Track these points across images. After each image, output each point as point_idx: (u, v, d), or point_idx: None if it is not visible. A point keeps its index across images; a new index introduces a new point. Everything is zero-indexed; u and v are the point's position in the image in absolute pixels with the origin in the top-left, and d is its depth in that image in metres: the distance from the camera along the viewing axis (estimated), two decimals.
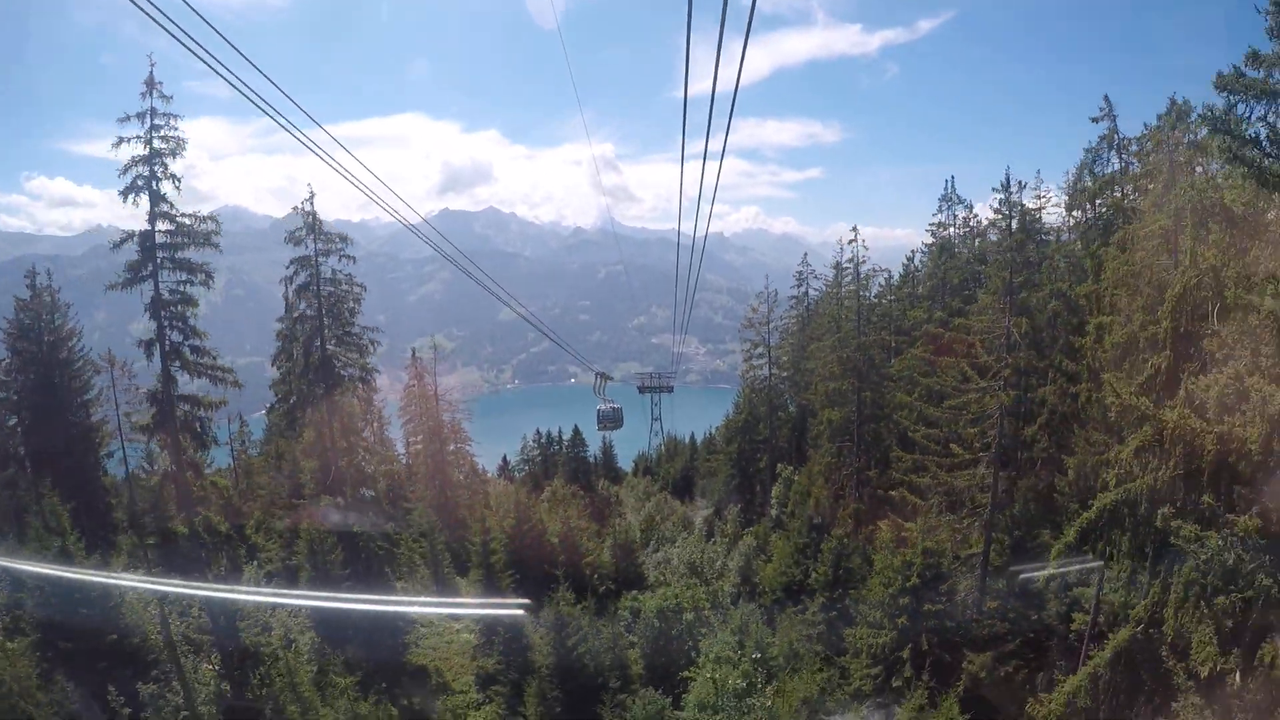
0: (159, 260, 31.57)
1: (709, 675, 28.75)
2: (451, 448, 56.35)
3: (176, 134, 30.30)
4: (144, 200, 30.65)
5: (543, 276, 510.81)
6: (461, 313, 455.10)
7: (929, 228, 59.62)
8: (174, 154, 30.40)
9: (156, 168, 30.42)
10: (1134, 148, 37.65)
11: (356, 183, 13.03)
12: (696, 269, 21.42)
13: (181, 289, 32.43)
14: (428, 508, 46.18)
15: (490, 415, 58.92)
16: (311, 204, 36.55)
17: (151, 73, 29.81)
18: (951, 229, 59.25)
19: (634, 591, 42.13)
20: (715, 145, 10.38)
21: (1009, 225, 40.62)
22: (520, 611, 28.23)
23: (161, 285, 32.24)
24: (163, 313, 31.90)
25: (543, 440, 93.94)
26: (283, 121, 10.96)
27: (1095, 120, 39.40)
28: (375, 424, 46.86)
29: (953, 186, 59.73)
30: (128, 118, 29.96)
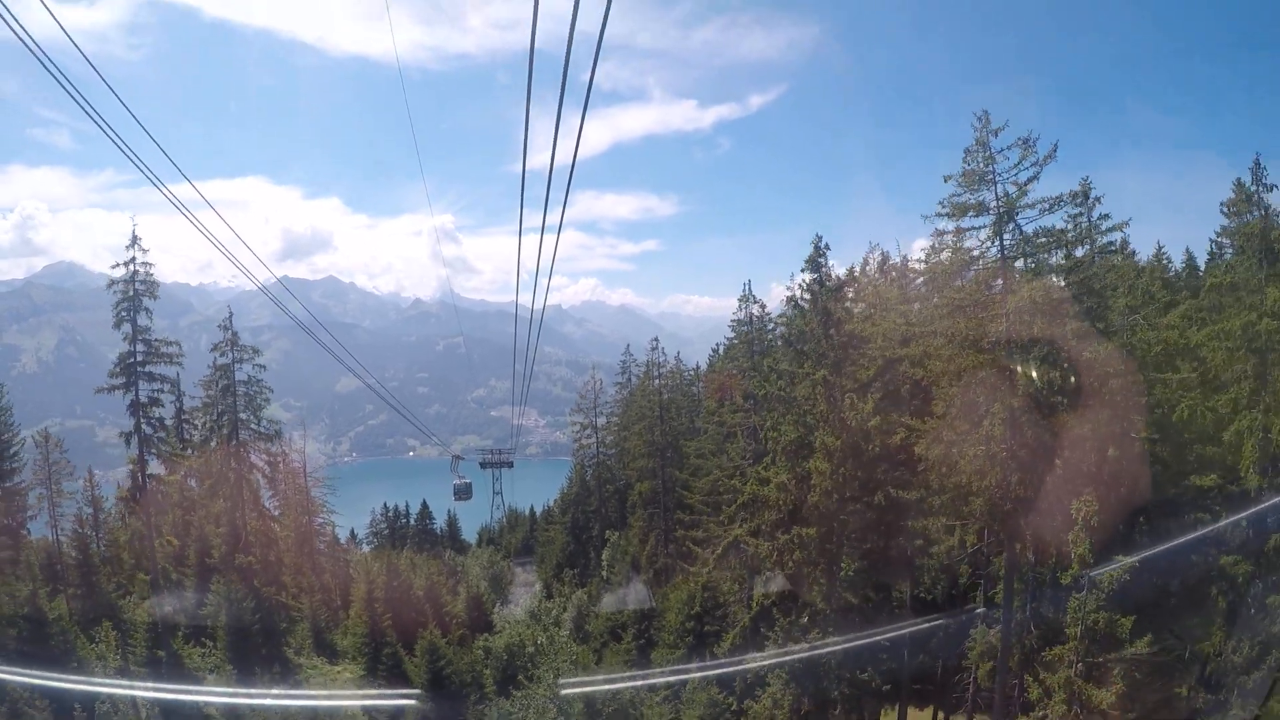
0: (136, 370, 40.39)
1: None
2: (319, 519, 64.28)
3: (151, 279, 39.67)
4: (126, 323, 39.65)
5: (381, 348, 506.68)
6: (299, 383, 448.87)
7: (730, 323, 70.76)
8: (149, 294, 39.72)
9: (136, 305, 39.63)
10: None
11: (214, 240, 14.04)
12: (534, 342, 21.54)
13: (155, 395, 41.35)
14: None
15: (331, 487, 66.40)
16: (230, 323, 45.51)
17: (134, 231, 39.32)
18: (748, 327, 71.29)
19: (485, 634, 51.88)
20: (554, 218, 10.83)
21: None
22: (413, 702, 35.42)
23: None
24: (140, 413, 40.65)
25: (390, 514, 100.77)
26: (149, 176, 11.53)
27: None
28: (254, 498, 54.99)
29: (750, 288, 71.25)
30: (117, 265, 39.27)
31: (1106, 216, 38.55)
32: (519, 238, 13.62)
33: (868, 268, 44.10)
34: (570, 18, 6.95)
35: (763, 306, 62.03)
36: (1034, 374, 21.46)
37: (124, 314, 40.03)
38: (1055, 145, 22.97)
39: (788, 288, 53.39)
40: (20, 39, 9.17)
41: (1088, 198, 39.12)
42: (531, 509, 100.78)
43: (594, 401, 73.59)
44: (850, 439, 24.80)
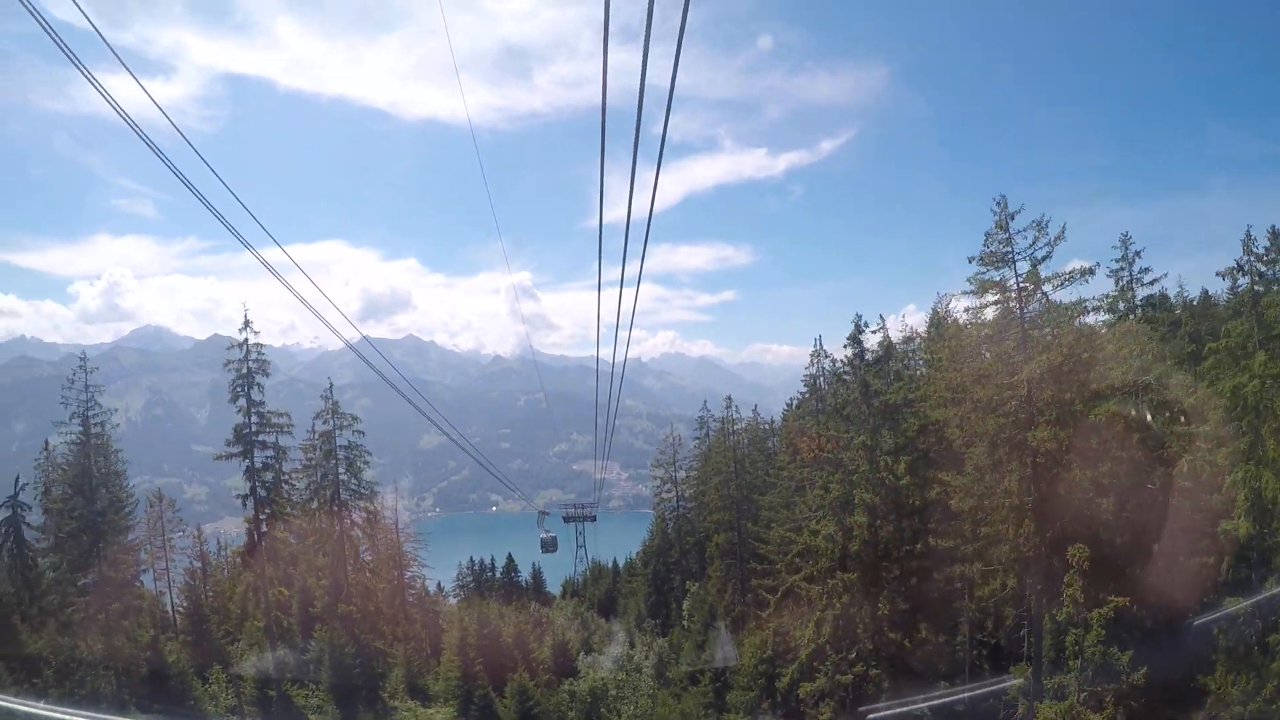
0: (251, 439, 45.42)
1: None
2: (410, 573, 68.68)
3: (263, 358, 44.73)
4: (241, 398, 44.74)
5: (463, 405, 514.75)
6: (382, 441, 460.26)
7: (803, 377, 72.63)
8: (261, 372, 44.76)
9: (250, 381, 44.71)
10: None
11: (304, 301, 14.38)
12: (616, 396, 21.60)
13: (267, 461, 46.31)
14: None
15: (421, 542, 71.28)
16: (330, 393, 50.47)
17: (246, 315, 44.59)
18: (820, 379, 73.27)
19: (570, 679, 55.33)
20: (631, 271, 10.84)
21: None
22: None
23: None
24: (255, 478, 45.66)
25: (475, 567, 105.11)
26: (244, 243, 12.20)
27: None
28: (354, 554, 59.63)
29: (820, 343, 72.30)
30: (232, 346, 44.43)
31: (1147, 270, 41.66)
32: (598, 292, 13.45)
33: (934, 317, 47.11)
34: (639, 71, 7.11)
35: (833, 361, 65.42)
36: (1044, 435, 24.39)
37: (239, 390, 45.14)
38: (1064, 226, 26.25)
39: (833, 358, 56.49)
40: (122, 117, 9.77)
41: (1127, 252, 42.24)
42: (614, 561, 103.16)
43: (673, 456, 76.96)
44: (887, 496, 28.00)
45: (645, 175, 8.23)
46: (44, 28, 8.44)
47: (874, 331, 44.19)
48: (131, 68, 9.78)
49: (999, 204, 27.07)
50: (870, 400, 30.46)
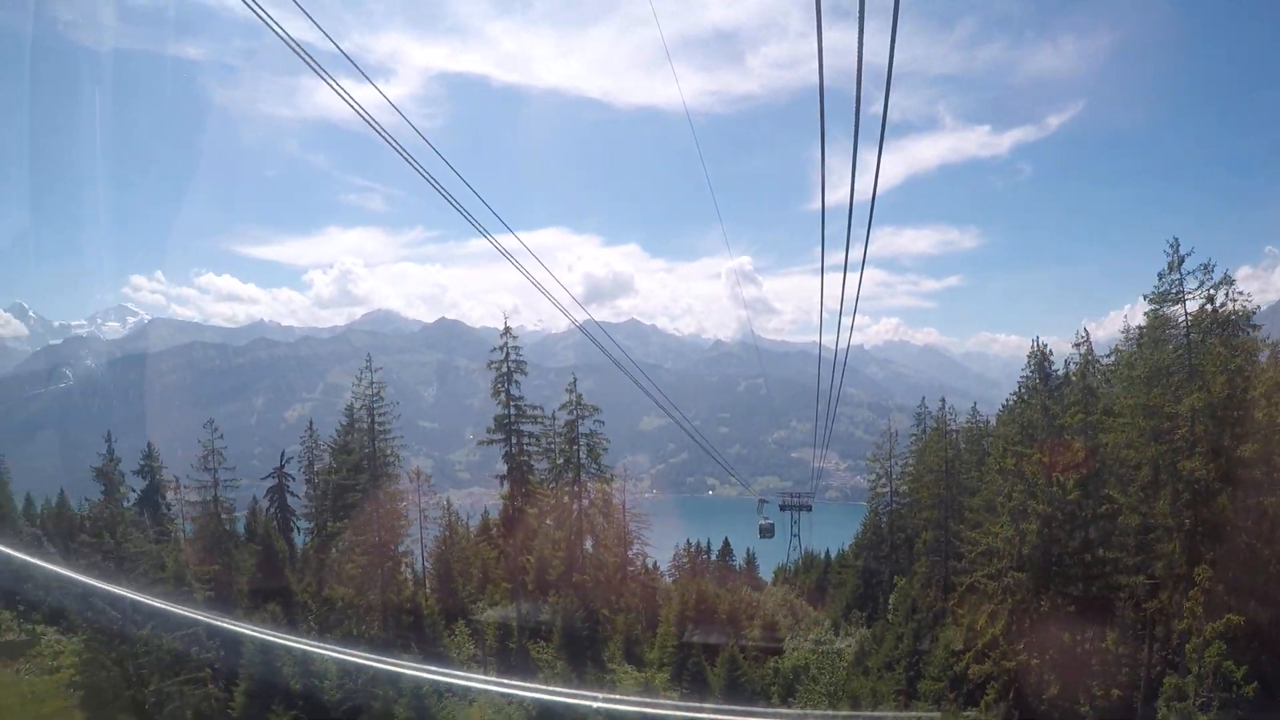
0: (511, 432, 53.43)
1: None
2: (633, 550, 75.36)
3: (520, 360, 52.54)
4: (501, 393, 52.76)
5: (683, 388, 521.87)
6: (605, 419, 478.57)
7: (1020, 378, 73.79)
8: (519, 371, 52.68)
9: (509, 379, 52.70)
10: None
11: (539, 286, 15.31)
12: (837, 384, 21.53)
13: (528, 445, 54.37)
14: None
15: (644, 523, 77.73)
16: (575, 386, 57.76)
17: (505, 323, 52.80)
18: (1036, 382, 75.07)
19: (775, 657, 60.61)
20: (853, 256, 10.53)
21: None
22: None
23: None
24: (514, 460, 53.80)
25: (691, 548, 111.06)
26: (480, 230, 12.75)
27: None
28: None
29: (1038, 343, 74.07)
30: (494, 349, 52.64)
31: None
32: (820, 277, 13.13)
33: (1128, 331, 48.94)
34: (854, 49, 6.95)
35: (1051, 363, 66.88)
36: (1195, 465, 27.37)
37: (500, 386, 53.10)
38: (1227, 272, 29.03)
39: (1016, 389, 58.12)
40: (366, 120, 10.08)
41: None
42: (826, 551, 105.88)
43: (889, 452, 79.81)
44: (1058, 507, 31.59)
45: (866, 156, 8.29)
46: (290, 45, 9.00)
47: (1076, 345, 47.49)
48: (349, 74, 10.34)
49: (1171, 246, 30.22)
50: (1050, 422, 34.04)
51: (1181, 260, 30.07)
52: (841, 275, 11.34)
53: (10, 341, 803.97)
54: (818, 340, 20.29)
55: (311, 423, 73.69)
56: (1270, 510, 26.93)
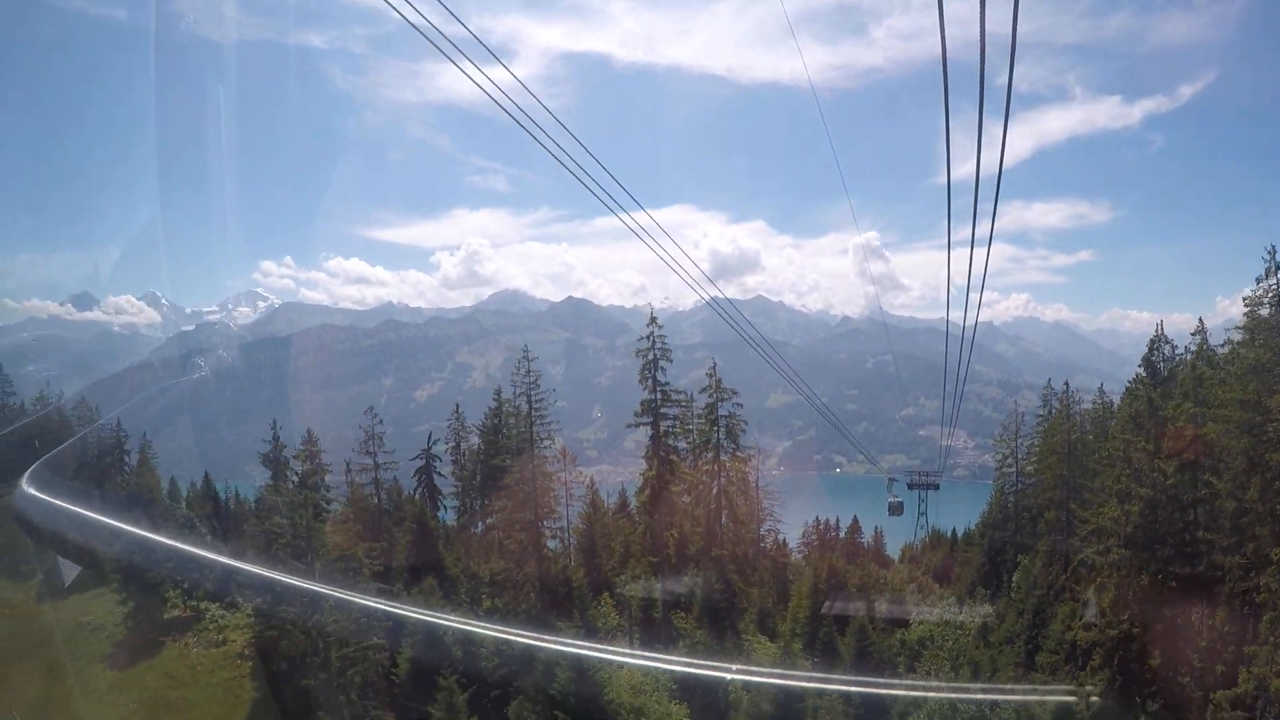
0: (657, 415, 58.41)
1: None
2: (765, 526, 79.30)
3: (666, 347, 57.43)
4: (648, 380, 57.78)
5: (811, 365, 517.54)
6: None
7: (1141, 362, 74.94)
8: (664, 359, 57.95)
9: (655, 365, 57.65)
10: None
11: (670, 262, 16.33)
12: (966, 361, 21.34)
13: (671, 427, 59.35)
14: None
15: (777, 500, 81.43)
16: (715, 370, 62.06)
17: (651, 313, 57.90)
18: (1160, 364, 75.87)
19: (902, 630, 64.20)
20: (981, 230, 10.16)
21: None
22: None
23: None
24: (658, 441, 58.85)
25: (820, 525, 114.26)
26: (611, 209, 13.53)
27: None
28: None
29: (1162, 329, 74.77)
30: (640, 337, 58.18)
31: None
32: (948, 252, 13.05)
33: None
34: (978, 20, 6.95)
35: (1173, 347, 67.82)
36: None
37: (647, 373, 58.03)
38: None
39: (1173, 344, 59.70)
40: (497, 103, 10.46)
41: None
42: (953, 530, 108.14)
43: (1015, 432, 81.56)
44: (1159, 490, 34.67)
45: (992, 129, 7.92)
46: (420, 33, 9.34)
47: (1194, 333, 49.65)
48: (474, 58, 10.54)
49: (1269, 252, 32.82)
50: (1155, 413, 36.95)
51: (1278, 268, 32.66)
52: (969, 250, 11.46)
53: (144, 329, 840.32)
54: (945, 317, 20.36)
55: (458, 406, 78.66)
56: None
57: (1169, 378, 46.84)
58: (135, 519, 71.37)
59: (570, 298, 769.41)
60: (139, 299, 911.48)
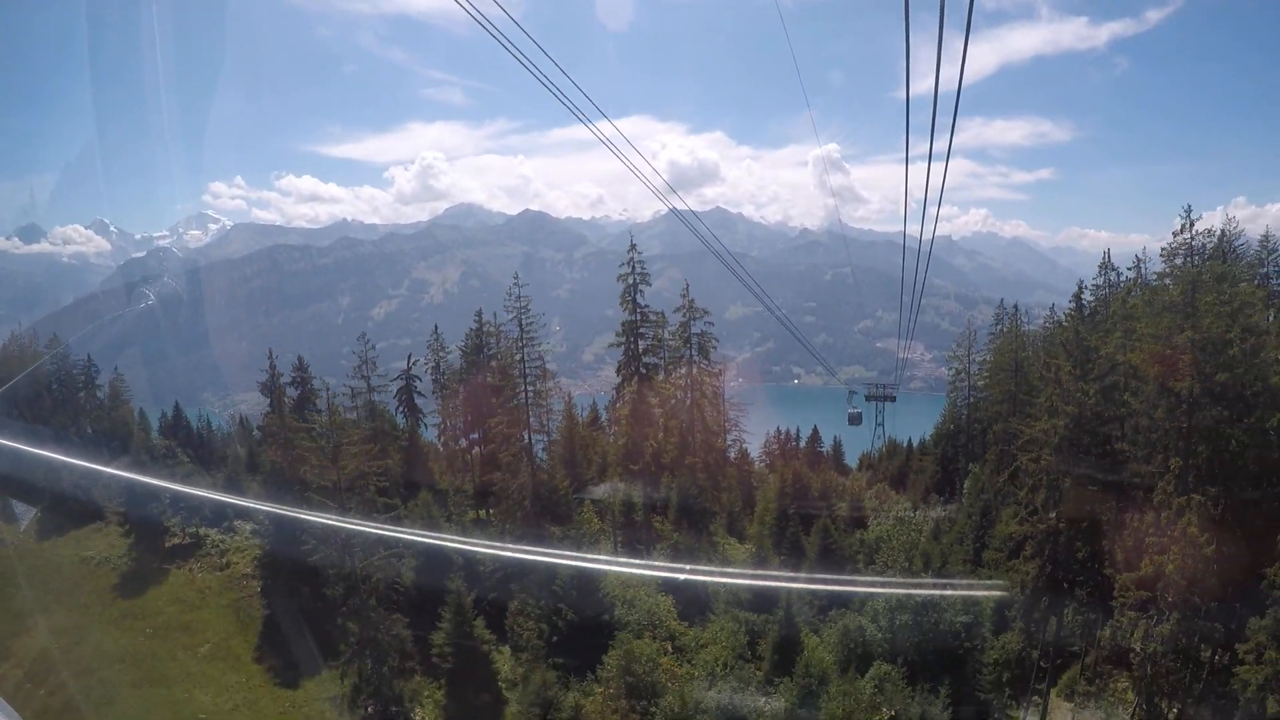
0: (637, 336, 63.52)
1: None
2: (731, 437, 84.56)
3: (644, 272, 62.25)
4: (629, 302, 62.57)
5: (769, 277, 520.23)
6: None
7: (1090, 285, 74.75)
8: (644, 283, 63.03)
9: (635, 289, 62.54)
10: None
11: (636, 171, 16.44)
12: (923, 275, 21.55)
13: (649, 355, 64.26)
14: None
15: (743, 411, 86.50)
16: (688, 290, 66.65)
17: (631, 240, 62.40)
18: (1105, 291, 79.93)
19: (861, 530, 70.75)
20: (941, 145, 10.07)
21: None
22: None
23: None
24: (638, 360, 63.71)
25: (781, 436, 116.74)
26: (578, 116, 13.38)
27: None
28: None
29: (1108, 257, 76.76)
30: (623, 263, 62.84)
31: None
32: (905, 166, 12.85)
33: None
34: None
35: (1118, 274, 70.21)
36: (1185, 385, 36.46)
37: (628, 296, 62.67)
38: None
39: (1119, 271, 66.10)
40: (464, 8, 9.97)
41: None
42: (909, 440, 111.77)
43: (968, 348, 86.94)
44: (1084, 409, 40.90)
45: (956, 43, 7.76)
46: None
47: (1129, 268, 55.80)
48: None
49: (1185, 210, 39.10)
50: (1080, 342, 42.87)
51: (1192, 224, 38.69)
52: (928, 164, 11.41)
53: (94, 258, 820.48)
54: (904, 230, 19.66)
55: (436, 327, 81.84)
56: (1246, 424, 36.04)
57: (1104, 304, 53.02)
58: (118, 457, 75.73)
59: (527, 210, 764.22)
60: (86, 227, 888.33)
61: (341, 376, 75.79)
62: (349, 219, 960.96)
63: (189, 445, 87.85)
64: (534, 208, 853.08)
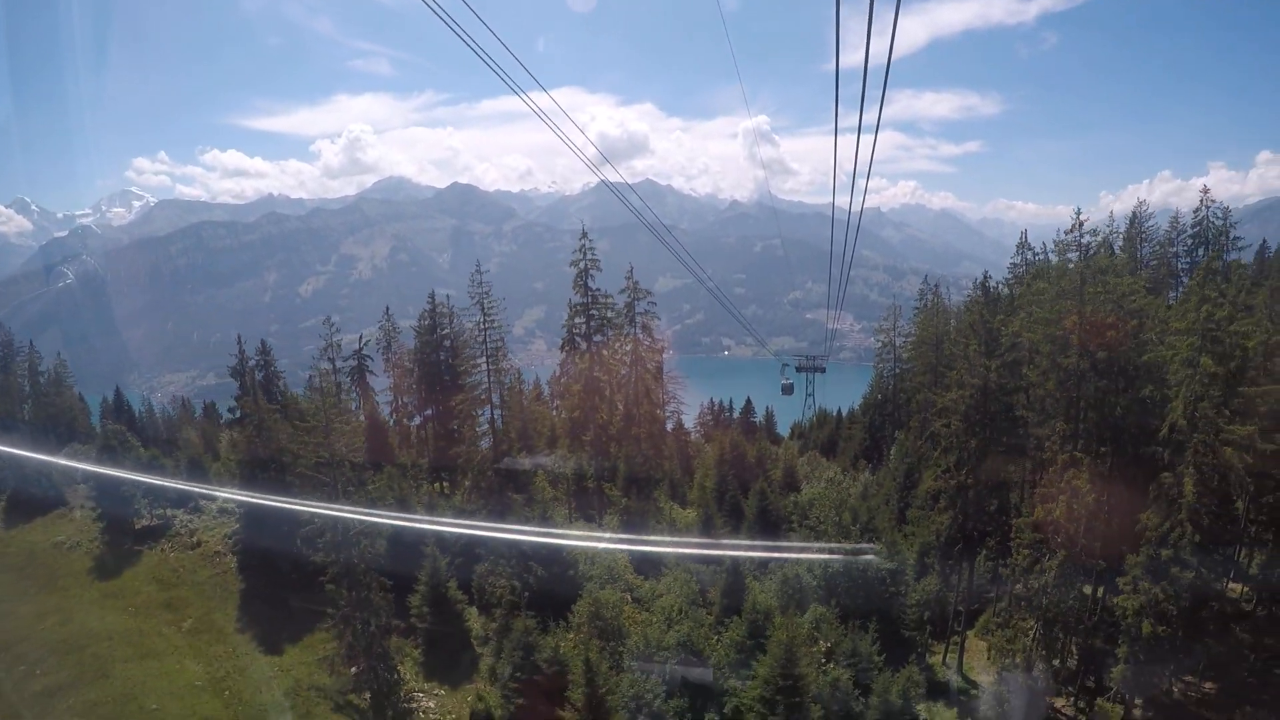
0: (588, 317, 68.58)
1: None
2: (669, 409, 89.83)
3: (595, 259, 66.78)
4: (581, 286, 67.30)
5: (699, 249, 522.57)
6: (618, 283, 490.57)
7: (1009, 264, 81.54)
8: (595, 269, 67.38)
9: (587, 275, 67.04)
10: None
11: (571, 145, 16.31)
12: (851, 247, 21.85)
13: (597, 334, 69.23)
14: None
15: (680, 383, 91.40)
16: (633, 273, 71.79)
17: (584, 228, 67.23)
18: (1022, 270, 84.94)
19: (795, 493, 77.05)
20: (870, 117, 10.08)
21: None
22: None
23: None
24: (588, 339, 69.15)
25: (715, 407, 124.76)
26: (514, 89, 12.96)
27: None
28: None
29: (1025, 238, 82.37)
30: (574, 250, 67.22)
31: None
32: (834, 138, 12.76)
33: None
34: None
35: (1035, 253, 78.19)
36: (1072, 361, 43.10)
37: (579, 281, 67.29)
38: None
39: (1034, 250, 73.43)
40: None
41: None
42: (839, 410, 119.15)
43: (894, 323, 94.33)
44: (984, 382, 47.79)
45: (886, 16, 7.76)
46: None
47: (1037, 254, 62.87)
48: None
49: (1076, 212, 45.99)
50: (985, 324, 49.46)
51: (1081, 224, 45.43)
52: (856, 136, 11.36)
53: (15, 238, 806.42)
54: (833, 202, 20.25)
55: (388, 308, 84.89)
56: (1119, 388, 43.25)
57: (1020, 281, 60.13)
58: (66, 444, 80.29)
59: (456, 183, 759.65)
60: (7, 206, 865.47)
61: (275, 355, 79.30)
62: (275, 194, 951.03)
63: (133, 429, 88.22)
64: (463, 180, 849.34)
